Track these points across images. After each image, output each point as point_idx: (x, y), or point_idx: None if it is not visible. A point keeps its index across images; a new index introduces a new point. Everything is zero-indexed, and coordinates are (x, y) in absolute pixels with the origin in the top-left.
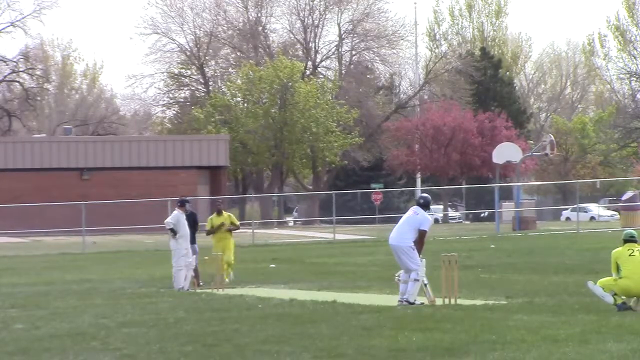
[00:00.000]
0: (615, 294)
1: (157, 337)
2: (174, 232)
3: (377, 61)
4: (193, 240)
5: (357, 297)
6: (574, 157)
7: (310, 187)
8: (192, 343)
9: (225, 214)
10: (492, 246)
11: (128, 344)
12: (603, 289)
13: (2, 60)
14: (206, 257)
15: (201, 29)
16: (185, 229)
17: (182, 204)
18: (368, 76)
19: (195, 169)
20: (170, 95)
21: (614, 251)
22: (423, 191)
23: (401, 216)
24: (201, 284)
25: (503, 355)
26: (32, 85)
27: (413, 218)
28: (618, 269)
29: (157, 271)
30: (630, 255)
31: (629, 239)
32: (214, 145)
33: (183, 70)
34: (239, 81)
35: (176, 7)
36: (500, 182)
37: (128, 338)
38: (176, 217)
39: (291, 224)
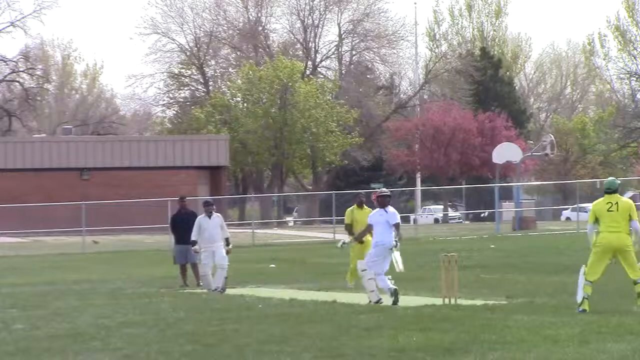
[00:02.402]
0: (585, 298)
1: (157, 337)
2: (194, 243)
3: (377, 61)
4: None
5: (357, 297)
6: (574, 157)
7: (310, 187)
8: (192, 343)
9: (366, 208)
10: (492, 246)
11: (128, 344)
12: (586, 277)
13: (2, 60)
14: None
15: (201, 29)
16: (207, 232)
17: (206, 205)
18: (368, 76)
19: (195, 169)
20: (170, 95)
21: (594, 203)
22: (423, 191)
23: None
24: (201, 283)
25: (503, 355)
26: (32, 85)
27: (386, 217)
28: (597, 221)
29: (157, 271)
30: (608, 211)
31: (607, 190)
32: (214, 145)
33: (183, 70)
34: (239, 81)
35: (176, 7)
36: (500, 182)
37: (128, 338)
38: (198, 223)
39: (291, 224)
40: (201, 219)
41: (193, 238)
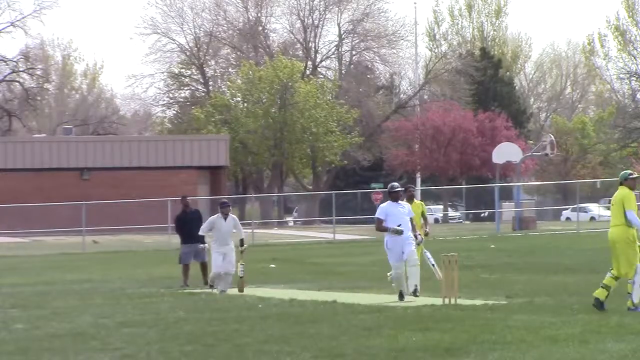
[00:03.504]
0: (607, 286)
1: (157, 337)
2: (202, 239)
3: (377, 61)
4: (197, 239)
5: (357, 297)
6: (574, 157)
7: (310, 187)
8: (192, 343)
9: (416, 201)
10: (492, 246)
11: (128, 344)
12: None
13: (2, 60)
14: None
15: (201, 29)
16: (221, 233)
17: (221, 206)
18: (368, 76)
19: (195, 169)
20: (170, 95)
21: None
22: (423, 191)
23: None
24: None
25: (503, 355)
26: (32, 85)
27: (402, 210)
28: None
29: (157, 271)
30: (612, 204)
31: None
32: (214, 145)
33: (183, 70)
34: (239, 81)
35: (176, 7)
36: (500, 182)
37: (128, 338)
38: (211, 222)
39: (291, 224)
40: (216, 219)
41: (201, 233)
